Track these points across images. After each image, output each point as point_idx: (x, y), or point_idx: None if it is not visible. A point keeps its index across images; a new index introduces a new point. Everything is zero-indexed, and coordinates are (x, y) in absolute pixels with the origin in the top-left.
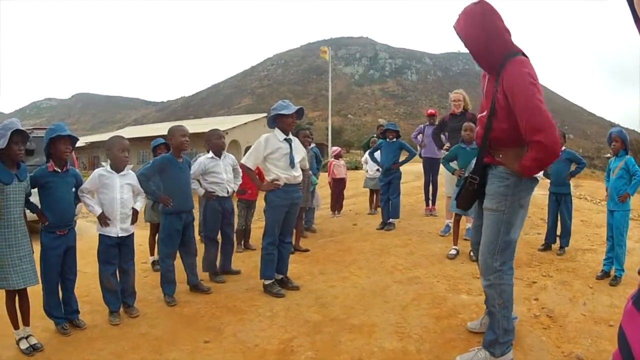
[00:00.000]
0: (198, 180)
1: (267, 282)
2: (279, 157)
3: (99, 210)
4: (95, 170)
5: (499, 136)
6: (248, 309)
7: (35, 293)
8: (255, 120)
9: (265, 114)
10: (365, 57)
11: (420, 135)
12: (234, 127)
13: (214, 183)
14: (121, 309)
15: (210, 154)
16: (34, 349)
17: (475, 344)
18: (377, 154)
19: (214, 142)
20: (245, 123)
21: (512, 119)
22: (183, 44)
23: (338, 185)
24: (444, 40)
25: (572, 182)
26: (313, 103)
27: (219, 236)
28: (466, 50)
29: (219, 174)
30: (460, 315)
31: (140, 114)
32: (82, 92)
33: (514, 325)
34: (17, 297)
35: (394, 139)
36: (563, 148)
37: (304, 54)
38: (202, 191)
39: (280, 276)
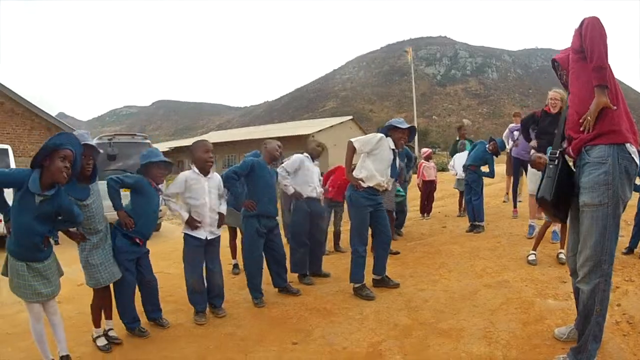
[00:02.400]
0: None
1: (357, 285)
2: (382, 159)
3: (186, 215)
4: (181, 174)
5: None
6: (337, 312)
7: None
8: (341, 122)
9: (351, 117)
10: (446, 57)
11: (517, 132)
12: (320, 130)
13: (305, 183)
14: (207, 310)
15: (307, 155)
16: (113, 342)
17: (559, 351)
18: (464, 155)
19: (314, 148)
20: (332, 126)
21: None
22: (264, 49)
23: (427, 187)
24: (521, 36)
25: None
26: (397, 105)
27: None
28: (543, 46)
29: (313, 175)
30: (546, 320)
31: (223, 119)
32: (163, 99)
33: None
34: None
35: (491, 153)
36: None
37: (384, 56)
38: (291, 190)
39: (380, 276)
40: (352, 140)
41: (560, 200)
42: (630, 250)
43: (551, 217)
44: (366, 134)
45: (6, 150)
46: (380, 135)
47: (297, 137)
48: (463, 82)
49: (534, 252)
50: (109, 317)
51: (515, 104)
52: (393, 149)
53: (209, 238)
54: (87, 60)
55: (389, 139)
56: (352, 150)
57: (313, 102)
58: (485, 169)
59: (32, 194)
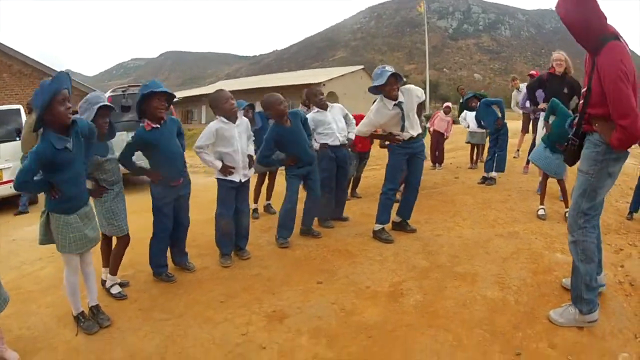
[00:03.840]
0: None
1: (378, 227)
2: (393, 125)
3: (219, 164)
4: (210, 125)
5: (595, 113)
6: (358, 253)
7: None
8: (352, 72)
9: (362, 66)
10: (459, 11)
11: (529, 101)
12: (331, 79)
13: (325, 135)
14: (232, 253)
15: (316, 109)
16: (122, 285)
17: (567, 300)
18: (474, 114)
19: (318, 101)
20: (342, 75)
21: (606, 102)
22: None
23: (435, 138)
24: None
25: None
26: (408, 56)
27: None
28: None
29: (329, 124)
30: (555, 272)
31: (232, 68)
32: (170, 50)
33: (598, 284)
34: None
35: (478, 102)
36: None
37: (396, 7)
38: (316, 145)
39: (400, 219)
40: (357, 131)
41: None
42: (630, 215)
43: None
44: None
45: (18, 110)
46: (374, 107)
47: (308, 85)
48: (475, 37)
49: (542, 206)
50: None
51: (527, 62)
52: (395, 104)
53: (242, 181)
54: (90, 15)
55: (384, 100)
56: (367, 135)
57: (323, 51)
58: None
59: (62, 150)
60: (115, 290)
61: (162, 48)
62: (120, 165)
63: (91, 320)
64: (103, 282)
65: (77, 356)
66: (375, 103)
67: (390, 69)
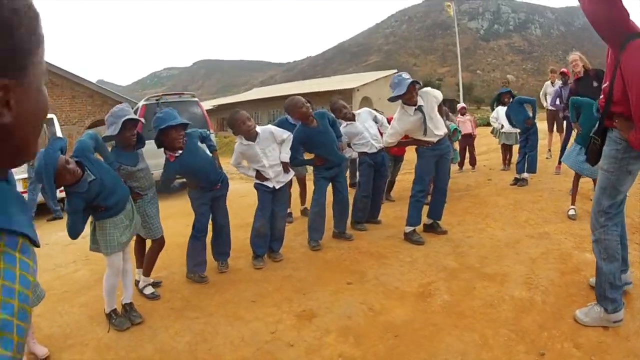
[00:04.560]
0: (349, 145)
1: (409, 229)
2: (416, 130)
3: (253, 173)
4: (235, 147)
5: (616, 110)
6: (389, 255)
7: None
8: (385, 77)
9: (395, 70)
10: (488, 12)
11: (559, 99)
12: (365, 84)
13: (361, 145)
14: (265, 255)
15: (344, 123)
16: (155, 285)
17: (593, 300)
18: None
19: (344, 115)
20: (376, 79)
21: (627, 99)
22: (305, 3)
23: (465, 142)
24: None
25: None
26: (441, 59)
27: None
28: None
29: (362, 133)
30: (583, 272)
31: (266, 75)
32: (203, 58)
33: (622, 283)
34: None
35: (511, 99)
36: None
37: (426, 10)
38: (354, 154)
39: (431, 221)
40: (385, 141)
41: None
42: None
43: None
44: None
45: (52, 119)
46: (397, 115)
47: (342, 91)
48: (506, 38)
49: (573, 207)
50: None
51: (558, 61)
52: (415, 109)
53: (277, 187)
54: (124, 25)
55: (405, 107)
56: (394, 143)
57: (356, 56)
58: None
59: (90, 184)
60: (148, 290)
61: (195, 57)
62: (152, 172)
63: (123, 317)
64: (136, 283)
65: (107, 352)
66: (397, 112)
67: (407, 76)
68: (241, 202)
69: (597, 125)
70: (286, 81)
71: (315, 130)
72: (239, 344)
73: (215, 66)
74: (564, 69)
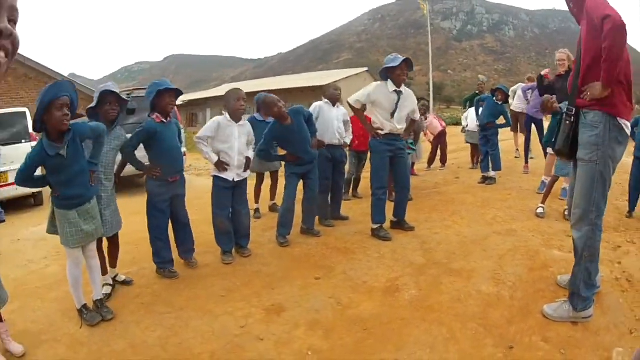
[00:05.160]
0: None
1: (375, 226)
2: (385, 106)
3: (215, 158)
4: (214, 118)
5: (586, 82)
6: (357, 250)
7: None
8: (356, 74)
9: (366, 68)
10: (463, 12)
11: (530, 91)
12: (336, 82)
13: (325, 130)
14: (233, 251)
15: (325, 100)
16: (126, 284)
17: (561, 296)
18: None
19: (332, 93)
20: (347, 77)
21: (596, 51)
22: None
23: (437, 140)
24: None
25: None
26: (413, 58)
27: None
28: (562, 8)
29: (331, 121)
30: (551, 268)
31: (237, 71)
32: (175, 53)
33: (597, 282)
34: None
35: (501, 102)
36: None
37: (400, 9)
38: (314, 141)
39: (396, 219)
40: (348, 100)
41: (574, 152)
42: (630, 214)
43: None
44: None
45: (24, 112)
46: (374, 83)
47: (312, 88)
48: (479, 38)
49: (542, 205)
50: (114, 265)
51: (531, 62)
52: (395, 90)
53: (236, 180)
54: (95, 19)
55: (389, 82)
56: (355, 108)
57: (327, 53)
58: (499, 122)
59: (53, 157)
60: (107, 290)
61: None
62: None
63: (94, 312)
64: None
65: (80, 347)
66: (375, 84)
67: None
68: (207, 197)
69: (569, 95)
70: (256, 77)
71: (289, 128)
72: (209, 338)
73: (187, 61)
74: (544, 71)
